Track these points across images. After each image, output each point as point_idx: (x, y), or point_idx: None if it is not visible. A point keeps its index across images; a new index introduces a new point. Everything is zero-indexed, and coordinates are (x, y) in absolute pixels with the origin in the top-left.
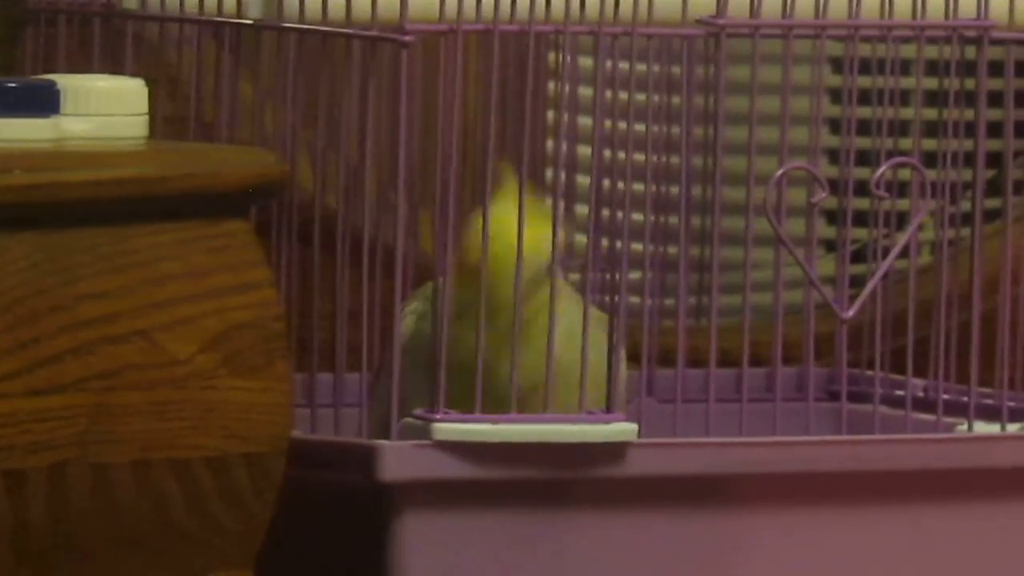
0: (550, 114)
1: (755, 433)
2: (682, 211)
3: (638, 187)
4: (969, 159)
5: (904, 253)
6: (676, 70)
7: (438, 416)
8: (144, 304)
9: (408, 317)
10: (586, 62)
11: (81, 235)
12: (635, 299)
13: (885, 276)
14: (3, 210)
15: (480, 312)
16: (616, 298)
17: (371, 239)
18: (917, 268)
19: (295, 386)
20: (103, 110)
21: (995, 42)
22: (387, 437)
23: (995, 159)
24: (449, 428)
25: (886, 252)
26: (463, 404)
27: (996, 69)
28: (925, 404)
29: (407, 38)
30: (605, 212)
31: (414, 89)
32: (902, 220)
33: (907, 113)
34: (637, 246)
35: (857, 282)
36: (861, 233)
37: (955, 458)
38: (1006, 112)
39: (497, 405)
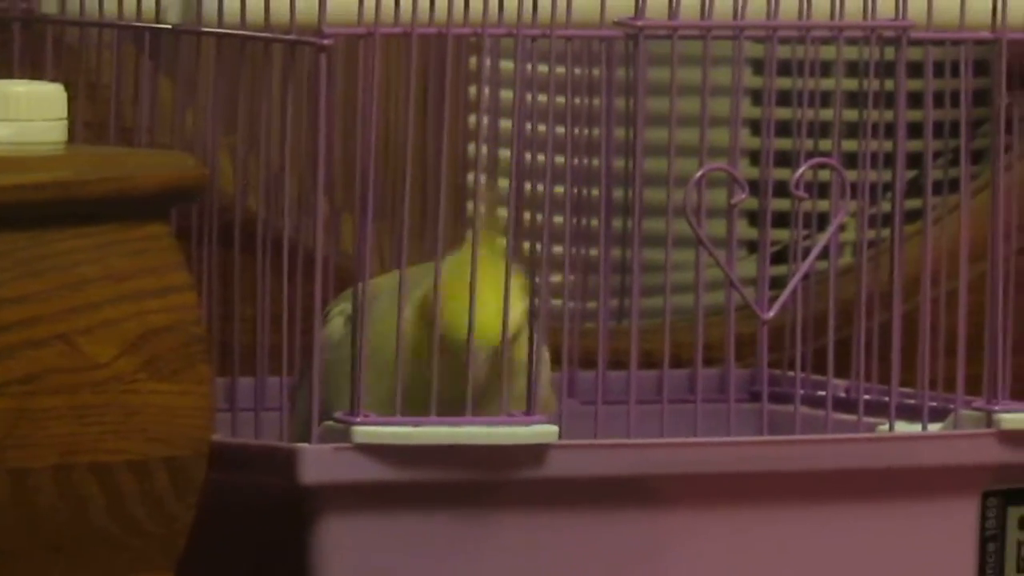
0: (471, 118)
1: (677, 434)
2: (602, 213)
3: (559, 189)
4: (889, 160)
5: (825, 254)
6: (596, 72)
7: (358, 419)
8: (64, 308)
9: (336, 318)
10: (506, 65)
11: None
12: (556, 301)
13: (806, 277)
14: None
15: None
16: (537, 300)
17: (292, 243)
18: (838, 269)
19: (216, 390)
20: (22, 115)
21: (913, 42)
22: (308, 440)
23: (916, 160)
24: (369, 431)
25: (807, 253)
26: (416, 410)
27: (917, 70)
28: (847, 404)
29: (325, 41)
30: (526, 215)
31: (334, 92)
32: (824, 221)
33: (827, 114)
34: (558, 248)
35: (779, 283)
36: (782, 234)
37: (876, 458)
38: (925, 112)
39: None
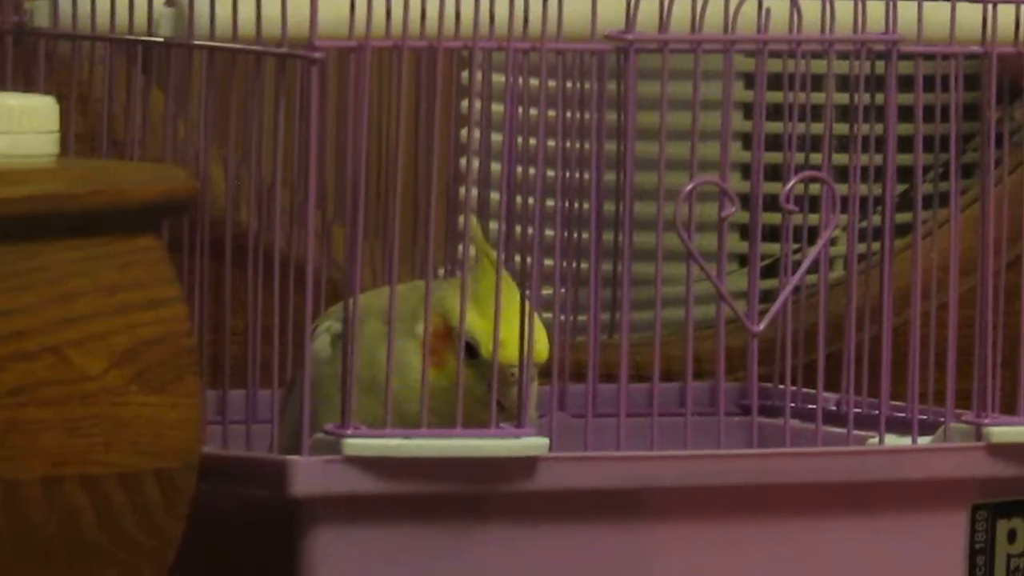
0: (462, 131)
1: (667, 447)
2: (593, 226)
3: (549, 203)
4: (880, 174)
5: (815, 267)
6: (587, 85)
7: (349, 431)
8: (54, 320)
9: (323, 335)
10: (497, 78)
11: None
12: (547, 315)
13: (796, 290)
14: None
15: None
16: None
17: (284, 255)
18: (828, 282)
19: (206, 402)
20: (14, 127)
21: (904, 56)
22: (298, 452)
23: (906, 173)
24: (360, 443)
25: (797, 267)
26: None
27: (907, 84)
28: (837, 418)
29: (316, 55)
30: (517, 228)
31: (325, 105)
32: (814, 235)
33: (818, 128)
34: (549, 262)
35: (769, 297)
36: (773, 248)
37: (866, 471)
38: (915, 126)
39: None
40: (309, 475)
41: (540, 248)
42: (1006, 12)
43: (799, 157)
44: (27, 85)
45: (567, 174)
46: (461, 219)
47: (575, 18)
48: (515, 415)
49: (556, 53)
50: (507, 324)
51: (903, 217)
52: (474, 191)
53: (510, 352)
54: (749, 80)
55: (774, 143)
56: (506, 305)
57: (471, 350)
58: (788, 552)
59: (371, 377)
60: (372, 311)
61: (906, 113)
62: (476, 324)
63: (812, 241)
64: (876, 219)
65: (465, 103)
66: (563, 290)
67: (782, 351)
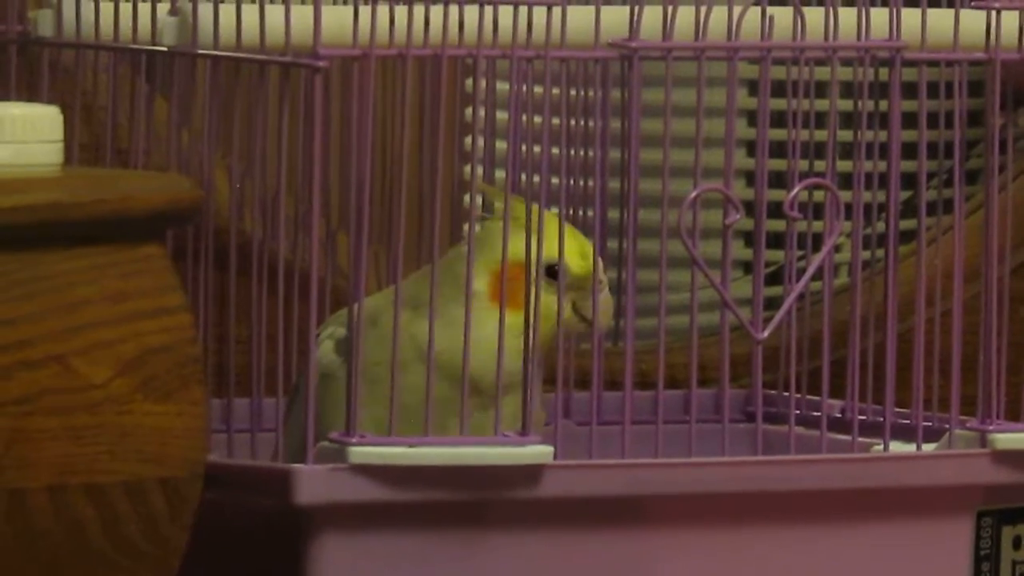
0: (467, 139)
1: (672, 455)
2: (597, 234)
3: (553, 211)
4: (884, 180)
5: (819, 274)
6: (591, 93)
7: (354, 439)
8: (59, 329)
9: (326, 342)
10: (501, 86)
11: None
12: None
13: (801, 297)
14: None
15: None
16: (532, 320)
17: (288, 263)
18: (833, 289)
19: (211, 410)
20: (18, 137)
21: (907, 63)
22: (303, 461)
23: (910, 180)
24: (365, 451)
25: (801, 274)
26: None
27: (911, 90)
28: (841, 425)
29: (320, 63)
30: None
31: (329, 114)
32: (818, 242)
33: (821, 134)
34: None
35: (773, 304)
36: (777, 255)
37: (871, 478)
38: (919, 133)
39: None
40: (314, 483)
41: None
42: (1010, 19)
43: (803, 164)
44: (31, 94)
45: (571, 181)
46: (465, 226)
47: (579, 26)
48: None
49: (560, 61)
50: (570, 241)
51: (907, 224)
52: (478, 198)
53: (587, 263)
54: (753, 87)
55: (778, 150)
56: (554, 228)
57: (551, 272)
58: (793, 559)
59: (415, 359)
60: (381, 312)
61: (910, 120)
62: (547, 249)
63: (816, 248)
64: (880, 226)
65: (469, 111)
66: None
67: (786, 358)
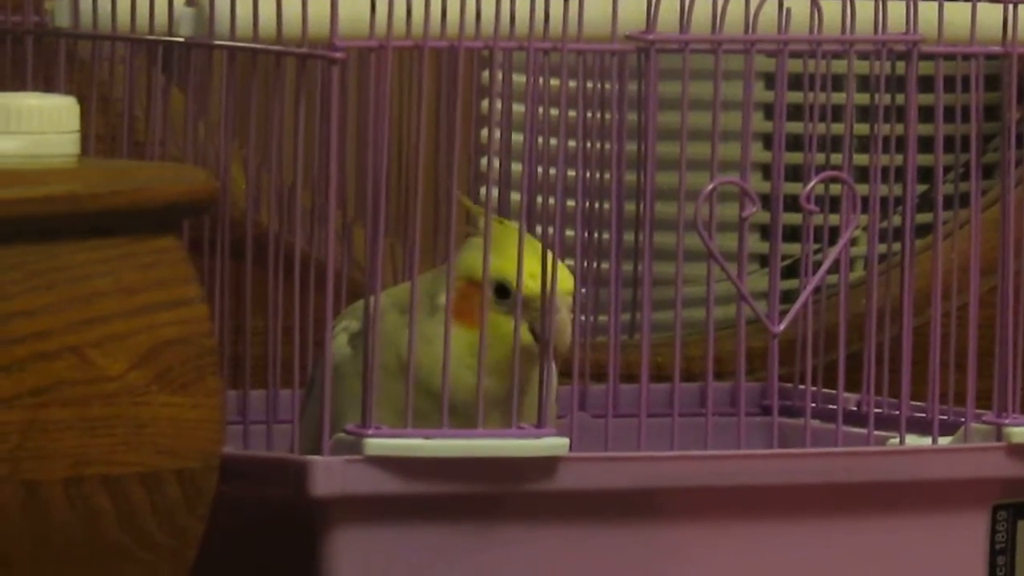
0: (483, 131)
1: (687, 448)
2: (613, 227)
3: (570, 203)
4: (900, 174)
5: (835, 268)
6: (607, 86)
7: (370, 431)
8: (75, 321)
9: (340, 335)
10: (518, 78)
11: (11, 252)
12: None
13: (817, 291)
14: None
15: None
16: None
17: (304, 255)
18: (849, 282)
19: (227, 402)
20: (35, 128)
21: (924, 56)
22: (318, 452)
23: (926, 174)
24: (381, 443)
25: (817, 267)
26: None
27: (927, 84)
28: (857, 418)
29: (337, 55)
30: (537, 228)
31: (346, 106)
32: (835, 235)
33: (838, 128)
34: (569, 261)
35: (789, 297)
36: (793, 248)
37: (886, 471)
38: (936, 127)
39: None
40: (330, 475)
41: (560, 248)
42: None
43: (819, 157)
44: (47, 85)
45: (587, 174)
46: (482, 221)
47: (595, 18)
48: (543, 340)
49: (576, 53)
50: (530, 259)
51: (923, 217)
52: (494, 191)
53: (536, 282)
54: (769, 80)
55: (794, 143)
56: (526, 249)
57: (502, 290)
58: (808, 552)
59: (397, 368)
60: (386, 306)
61: (926, 113)
62: (501, 267)
63: (833, 241)
64: (896, 219)
65: (485, 103)
66: (583, 290)
67: (802, 351)
